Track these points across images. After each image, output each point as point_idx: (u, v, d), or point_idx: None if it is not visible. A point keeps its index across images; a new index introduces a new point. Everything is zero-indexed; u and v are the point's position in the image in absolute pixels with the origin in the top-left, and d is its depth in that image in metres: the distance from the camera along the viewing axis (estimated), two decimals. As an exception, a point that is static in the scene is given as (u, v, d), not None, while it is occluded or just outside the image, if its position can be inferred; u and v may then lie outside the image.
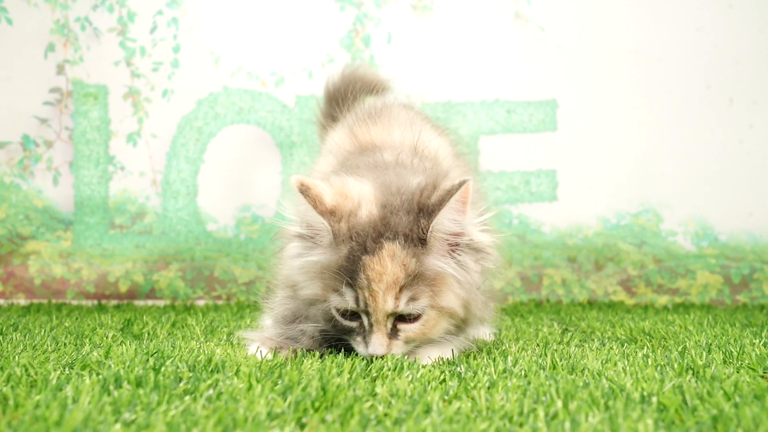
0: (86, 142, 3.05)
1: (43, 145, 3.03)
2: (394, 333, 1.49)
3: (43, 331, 1.94)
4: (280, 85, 3.10)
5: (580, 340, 1.84)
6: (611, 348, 1.66)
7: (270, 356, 1.50)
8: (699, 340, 1.75)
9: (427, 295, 1.46)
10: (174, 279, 3.05)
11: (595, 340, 1.83)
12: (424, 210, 1.48)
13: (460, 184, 1.46)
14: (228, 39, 3.10)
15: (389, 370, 1.32)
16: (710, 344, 1.67)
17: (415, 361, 1.48)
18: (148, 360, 1.29)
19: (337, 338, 1.56)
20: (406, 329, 1.49)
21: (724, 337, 1.81)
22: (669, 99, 3.14)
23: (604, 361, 1.41)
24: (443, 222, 1.48)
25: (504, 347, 1.69)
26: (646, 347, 1.68)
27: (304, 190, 1.49)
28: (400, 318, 1.49)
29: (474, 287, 1.52)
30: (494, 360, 1.46)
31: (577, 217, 3.14)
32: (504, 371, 1.34)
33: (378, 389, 1.14)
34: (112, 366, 1.25)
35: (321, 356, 1.52)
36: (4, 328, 2.01)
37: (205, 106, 3.08)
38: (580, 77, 3.15)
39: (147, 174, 3.07)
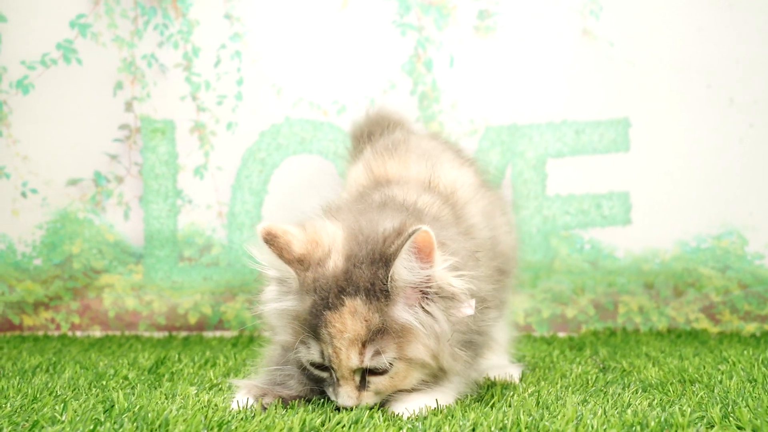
0: (155, 176, 3.10)
1: (114, 180, 3.10)
2: (363, 385, 1.44)
3: (69, 368, 1.98)
4: (342, 113, 3.08)
5: (603, 384, 1.72)
6: (614, 397, 1.54)
7: (254, 404, 1.46)
8: (728, 383, 1.62)
9: (393, 348, 1.40)
10: (241, 310, 3.06)
11: (616, 384, 1.71)
12: (383, 260, 1.42)
13: (413, 233, 1.39)
14: (289, 70, 3.10)
15: (342, 427, 1.25)
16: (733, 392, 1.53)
17: (389, 411, 1.43)
18: (94, 417, 1.27)
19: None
20: (376, 381, 1.44)
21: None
22: (749, 114, 2.95)
23: (572, 419, 1.28)
24: (401, 272, 1.41)
25: (491, 396, 1.59)
26: (660, 395, 1.55)
27: (270, 240, 1.46)
28: (370, 371, 1.43)
29: (444, 339, 1.44)
30: (451, 417, 1.36)
31: (653, 241, 2.98)
32: None
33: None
34: (62, 424, 1.24)
35: (298, 404, 1.48)
36: (42, 365, 2.06)
37: (268, 137, 3.09)
38: (653, 93, 3.00)
39: (213, 206, 3.10)
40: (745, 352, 2.20)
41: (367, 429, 1.25)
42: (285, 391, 1.55)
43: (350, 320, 1.40)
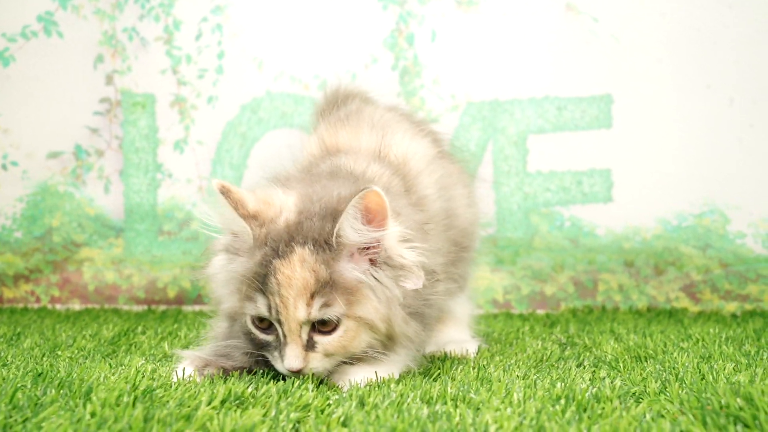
0: (135, 150, 3.09)
1: (94, 154, 3.10)
2: (311, 346, 1.41)
3: (29, 339, 1.98)
4: (323, 88, 3.05)
5: (555, 360, 1.71)
6: (559, 372, 1.52)
7: (194, 375, 1.46)
8: (680, 360, 1.60)
9: (342, 303, 1.39)
10: (220, 285, 3.06)
11: (571, 360, 1.69)
12: (332, 215, 1.42)
13: (362, 190, 1.38)
14: (270, 44, 3.08)
15: (269, 397, 1.24)
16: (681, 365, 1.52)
17: (334, 383, 1.41)
18: (20, 384, 1.26)
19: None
20: (323, 341, 1.41)
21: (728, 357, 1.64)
22: (734, 91, 2.91)
23: (501, 391, 1.27)
24: (346, 229, 1.40)
25: (437, 369, 1.57)
26: (609, 371, 1.54)
27: (225, 192, 1.45)
28: (318, 331, 1.41)
29: (394, 303, 1.42)
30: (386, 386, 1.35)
31: (634, 218, 2.96)
32: (367, 404, 1.22)
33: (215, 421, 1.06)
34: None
35: (239, 375, 1.47)
36: (6, 335, 2.06)
37: (249, 111, 3.07)
38: (637, 70, 2.96)
39: (193, 181, 3.09)
40: (712, 330, 2.17)
41: (293, 398, 1.23)
42: (228, 363, 1.53)
43: (299, 268, 1.38)
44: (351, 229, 1.40)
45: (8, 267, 3.08)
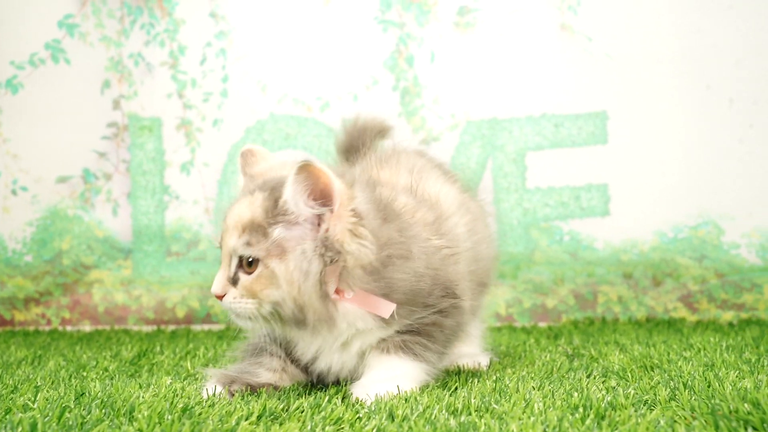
0: (142, 173, 3.16)
1: (102, 177, 3.16)
2: (234, 281, 1.54)
3: (52, 361, 2.04)
4: (326, 109, 3.13)
5: (565, 371, 1.78)
6: (571, 382, 1.59)
7: (222, 391, 1.53)
8: (685, 369, 1.67)
9: (263, 250, 1.50)
10: (228, 304, 3.12)
11: (580, 371, 1.76)
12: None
13: (299, 163, 1.48)
14: (274, 67, 3.15)
15: (302, 412, 1.31)
16: (688, 376, 1.59)
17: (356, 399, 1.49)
18: (64, 405, 1.33)
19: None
20: (243, 278, 1.53)
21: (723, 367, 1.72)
22: (726, 107, 3.00)
23: (521, 401, 1.34)
24: (288, 194, 1.49)
25: (455, 382, 1.64)
26: (618, 380, 1.61)
27: (244, 153, 1.69)
28: (244, 272, 1.53)
29: (311, 276, 1.50)
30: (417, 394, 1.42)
31: (631, 231, 3.04)
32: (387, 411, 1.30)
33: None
34: (33, 410, 1.30)
35: (266, 391, 1.54)
36: (27, 358, 2.12)
37: (253, 133, 3.15)
38: (630, 87, 3.05)
39: (200, 202, 3.15)
40: (712, 339, 2.25)
41: (326, 413, 1.30)
42: (254, 379, 1.61)
43: (245, 207, 1.54)
44: (292, 198, 1.49)
45: (19, 290, 3.14)
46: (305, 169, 1.47)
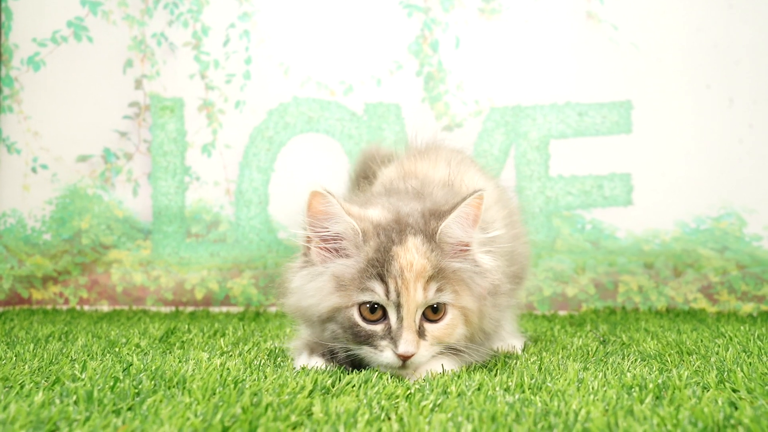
0: (163, 153, 3.15)
1: (123, 157, 3.15)
2: (421, 333, 1.50)
3: (81, 337, 2.03)
4: (349, 93, 3.12)
5: (602, 355, 1.78)
6: (613, 365, 1.59)
7: (322, 365, 1.53)
8: (724, 354, 1.67)
9: (451, 290, 1.50)
10: (247, 286, 3.11)
11: (616, 355, 1.76)
12: (436, 214, 1.54)
13: (474, 192, 1.51)
14: (297, 50, 3.14)
15: (352, 387, 1.30)
16: (731, 360, 1.58)
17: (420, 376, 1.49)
18: (114, 375, 1.32)
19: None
20: (432, 329, 1.50)
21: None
22: (750, 98, 2.99)
23: (573, 381, 1.34)
24: (451, 226, 1.52)
25: (494, 364, 1.64)
26: (658, 364, 1.61)
27: (331, 194, 1.53)
28: (426, 319, 1.50)
29: (484, 299, 1.54)
30: (459, 377, 1.42)
31: (653, 222, 3.03)
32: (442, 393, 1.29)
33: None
34: (82, 381, 1.30)
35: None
36: (54, 334, 2.11)
37: (276, 116, 3.14)
38: (655, 76, 3.04)
39: (221, 184, 3.14)
40: (742, 327, 2.25)
41: (377, 388, 1.29)
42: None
43: (416, 254, 1.48)
44: (457, 227, 1.52)
45: (37, 269, 3.13)
46: (474, 197, 1.52)
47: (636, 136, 3.05)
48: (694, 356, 1.73)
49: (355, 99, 3.12)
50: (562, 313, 3.01)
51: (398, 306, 1.48)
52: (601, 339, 2.08)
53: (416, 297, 1.47)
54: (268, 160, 3.13)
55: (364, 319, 1.51)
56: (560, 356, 1.77)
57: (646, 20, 3.05)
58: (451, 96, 3.10)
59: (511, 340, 1.95)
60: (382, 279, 1.48)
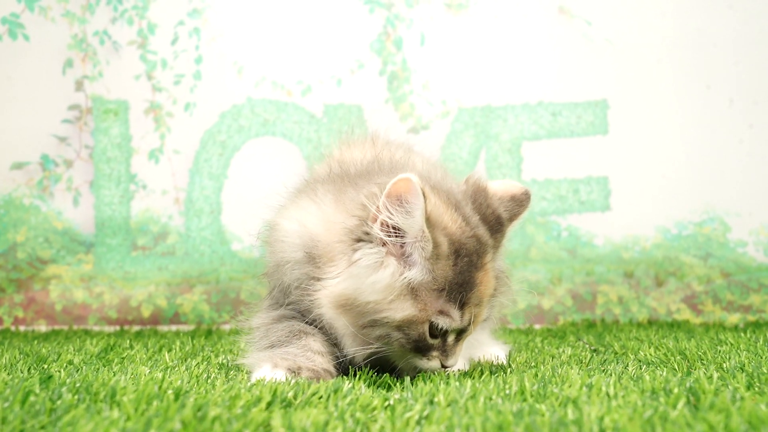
0: (107, 160, 2.91)
1: (62, 164, 2.90)
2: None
3: (7, 354, 1.79)
4: (307, 94, 2.92)
5: (599, 363, 1.58)
6: (616, 372, 1.39)
7: (289, 379, 1.29)
8: (737, 359, 1.48)
9: (490, 305, 1.46)
10: (198, 302, 2.87)
11: (614, 363, 1.56)
12: (499, 222, 1.49)
13: (528, 198, 1.54)
14: (251, 48, 2.93)
15: (319, 398, 1.08)
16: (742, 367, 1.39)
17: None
18: (28, 389, 1.09)
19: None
20: (463, 339, 1.44)
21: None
22: (733, 97, 2.84)
23: (580, 387, 1.13)
24: (508, 234, 1.51)
25: (480, 373, 1.45)
26: (667, 371, 1.41)
27: (426, 194, 1.33)
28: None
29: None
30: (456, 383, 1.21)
31: (633, 227, 2.86)
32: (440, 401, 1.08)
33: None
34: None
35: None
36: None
37: (229, 119, 2.91)
38: (633, 74, 2.88)
39: (169, 192, 2.91)
40: (742, 334, 2.06)
41: (349, 398, 1.07)
42: (318, 367, 1.39)
43: (491, 278, 1.42)
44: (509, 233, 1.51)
45: (-32, 286, 2.85)
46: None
47: (613, 137, 2.88)
48: (704, 362, 1.54)
49: (313, 100, 2.91)
50: (537, 326, 2.82)
51: (465, 329, 1.41)
52: (592, 348, 1.89)
53: (480, 319, 1.43)
54: (221, 166, 2.91)
55: (432, 334, 1.39)
56: (553, 364, 1.57)
57: (621, 15, 2.89)
58: (416, 96, 2.90)
59: (491, 349, 1.75)
60: (461, 307, 1.37)
